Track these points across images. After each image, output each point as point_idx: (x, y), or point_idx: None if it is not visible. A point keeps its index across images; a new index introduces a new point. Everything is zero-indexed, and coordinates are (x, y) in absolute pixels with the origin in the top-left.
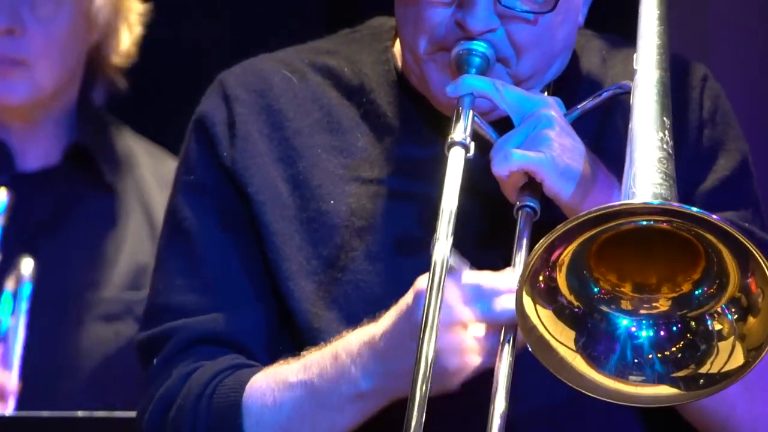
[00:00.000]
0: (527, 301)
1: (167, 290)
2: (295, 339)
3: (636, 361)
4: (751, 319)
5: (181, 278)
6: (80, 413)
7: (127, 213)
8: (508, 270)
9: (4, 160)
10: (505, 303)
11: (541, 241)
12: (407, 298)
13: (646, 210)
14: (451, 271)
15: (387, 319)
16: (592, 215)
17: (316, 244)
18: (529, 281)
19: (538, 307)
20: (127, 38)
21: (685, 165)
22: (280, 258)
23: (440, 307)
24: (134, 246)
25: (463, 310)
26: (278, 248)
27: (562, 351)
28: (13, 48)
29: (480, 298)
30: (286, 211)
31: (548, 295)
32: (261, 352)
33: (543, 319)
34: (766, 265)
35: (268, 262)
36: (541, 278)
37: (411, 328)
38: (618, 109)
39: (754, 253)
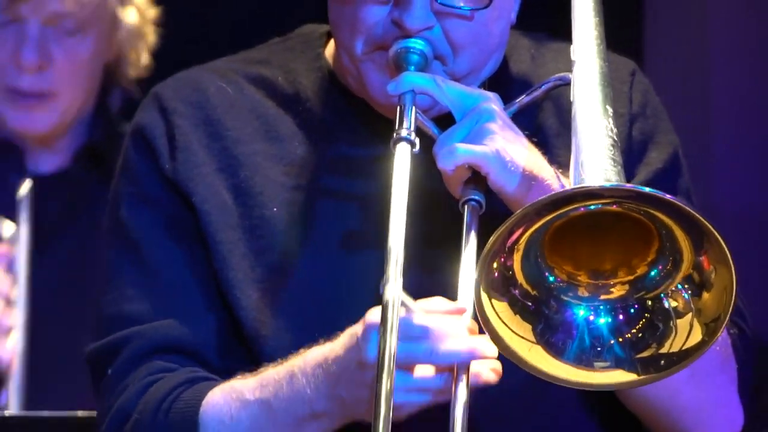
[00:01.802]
0: (483, 295)
1: (119, 300)
2: (245, 346)
3: (597, 348)
4: (705, 295)
5: (133, 288)
6: (80, 413)
7: None
8: (457, 303)
9: (16, 162)
10: (454, 345)
11: (499, 228)
12: (357, 330)
13: (602, 192)
14: (400, 311)
15: (338, 346)
16: (548, 200)
17: (260, 252)
18: (484, 271)
19: (493, 301)
20: (146, 54)
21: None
22: (225, 267)
23: (394, 351)
24: None
25: (411, 352)
26: (224, 257)
27: (521, 342)
28: (41, 82)
29: (429, 340)
30: (230, 220)
31: (503, 286)
32: (215, 358)
33: (499, 311)
34: (723, 241)
35: (215, 272)
36: (495, 266)
37: (360, 361)
38: (549, 106)
39: (711, 230)
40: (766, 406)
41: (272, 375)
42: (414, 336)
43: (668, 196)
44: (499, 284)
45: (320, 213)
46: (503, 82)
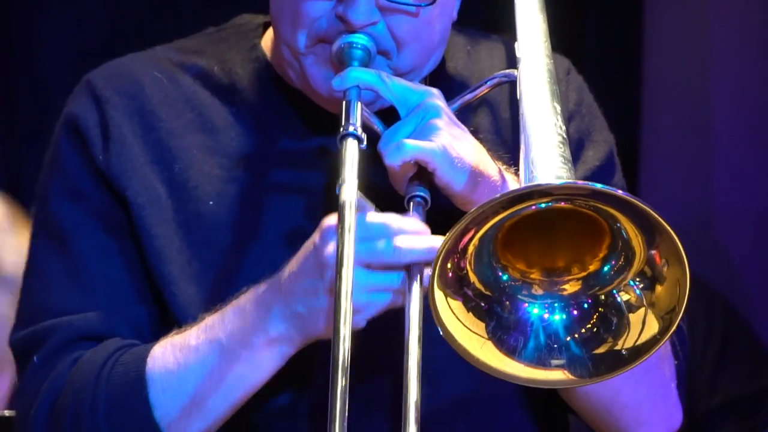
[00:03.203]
0: (438, 292)
1: (45, 292)
2: None
3: (552, 345)
4: (658, 288)
5: (60, 280)
6: None
7: None
8: (411, 214)
9: None
10: (412, 242)
11: (453, 227)
12: (314, 237)
13: (557, 190)
14: (357, 211)
15: (293, 261)
16: (504, 198)
17: (196, 246)
18: (438, 270)
19: (448, 299)
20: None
21: None
22: (161, 262)
23: (353, 247)
24: None
25: (371, 250)
26: (159, 252)
27: (474, 339)
28: None
29: (386, 236)
30: (165, 214)
31: (456, 285)
32: None
33: (454, 309)
34: (674, 234)
35: (150, 267)
36: (449, 266)
37: (318, 265)
38: (485, 106)
39: (663, 224)
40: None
41: (216, 317)
42: (372, 234)
43: (622, 193)
44: (453, 283)
45: (258, 206)
46: (442, 78)
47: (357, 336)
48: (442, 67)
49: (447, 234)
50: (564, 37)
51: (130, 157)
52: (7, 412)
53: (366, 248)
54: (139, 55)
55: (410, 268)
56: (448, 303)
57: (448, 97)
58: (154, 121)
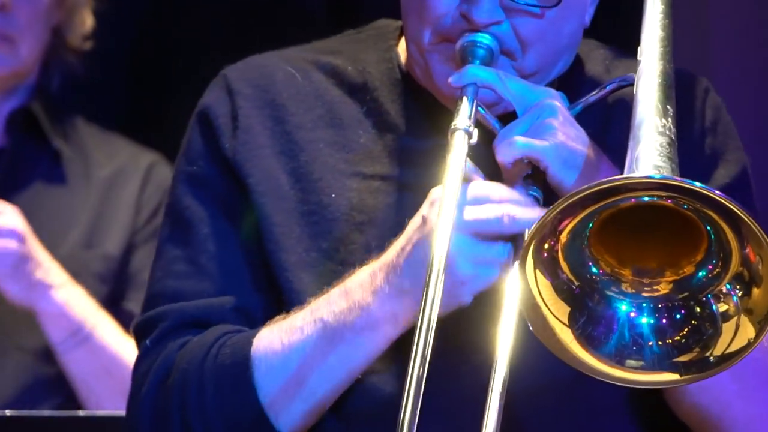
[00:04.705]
0: (530, 269)
1: (165, 277)
2: None
3: (635, 347)
4: (755, 291)
5: (180, 265)
6: (80, 413)
7: (74, 176)
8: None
9: None
10: (519, 211)
11: (547, 210)
12: (422, 209)
13: (647, 185)
14: (464, 180)
15: (401, 237)
16: (594, 189)
17: (315, 236)
18: (534, 248)
19: (538, 273)
20: (89, 22)
21: (686, 172)
22: (279, 249)
23: (455, 211)
24: (84, 207)
25: (476, 215)
26: (277, 239)
27: (560, 330)
28: (3, 24)
29: (493, 204)
30: (286, 203)
31: (551, 267)
32: None
33: (543, 292)
34: (757, 228)
35: (267, 253)
36: (546, 246)
37: (425, 233)
38: (621, 106)
39: (744, 218)
40: None
41: (322, 298)
42: (480, 201)
43: (715, 192)
44: (548, 264)
45: (378, 203)
46: (575, 84)
47: (445, 332)
48: (579, 72)
49: (537, 222)
50: None
51: (255, 146)
52: (8, 412)
53: (473, 214)
54: (275, 52)
55: (516, 240)
56: (538, 285)
57: (578, 100)
58: (283, 114)
